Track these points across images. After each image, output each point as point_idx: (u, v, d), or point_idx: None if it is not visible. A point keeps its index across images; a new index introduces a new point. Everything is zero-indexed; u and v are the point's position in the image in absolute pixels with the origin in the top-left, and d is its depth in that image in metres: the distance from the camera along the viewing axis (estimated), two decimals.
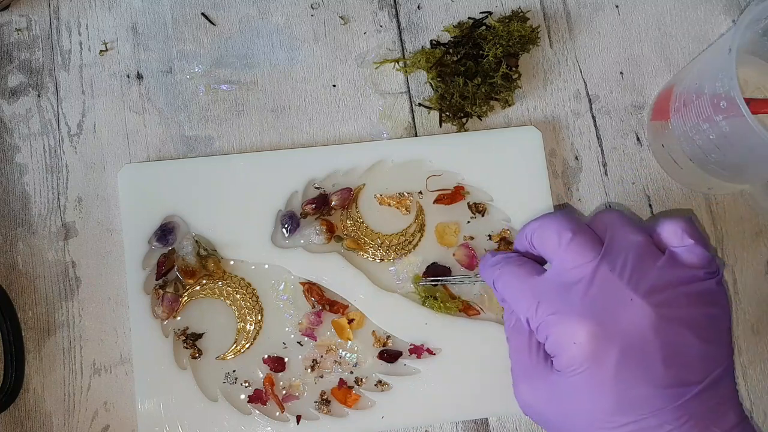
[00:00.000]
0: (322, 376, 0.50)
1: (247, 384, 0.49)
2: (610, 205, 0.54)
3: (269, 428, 0.48)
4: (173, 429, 0.48)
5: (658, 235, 0.42)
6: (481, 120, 0.54)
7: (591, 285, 0.39)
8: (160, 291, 0.49)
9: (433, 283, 0.50)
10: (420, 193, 0.52)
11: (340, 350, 0.50)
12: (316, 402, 0.49)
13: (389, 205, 0.52)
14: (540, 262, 0.45)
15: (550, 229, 0.42)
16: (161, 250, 0.50)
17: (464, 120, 0.54)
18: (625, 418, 0.38)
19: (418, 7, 0.56)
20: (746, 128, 0.42)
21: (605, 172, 0.54)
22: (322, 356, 0.50)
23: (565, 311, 0.39)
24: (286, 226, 0.51)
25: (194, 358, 0.49)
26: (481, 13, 0.56)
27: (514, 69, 0.53)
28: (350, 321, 0.50)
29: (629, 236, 0.42)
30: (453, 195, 0.52)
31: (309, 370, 0.50)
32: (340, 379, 0.50)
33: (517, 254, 0.45)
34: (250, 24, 0.55)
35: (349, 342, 0.50)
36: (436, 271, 0.51)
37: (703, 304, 0.39)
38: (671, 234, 0.41)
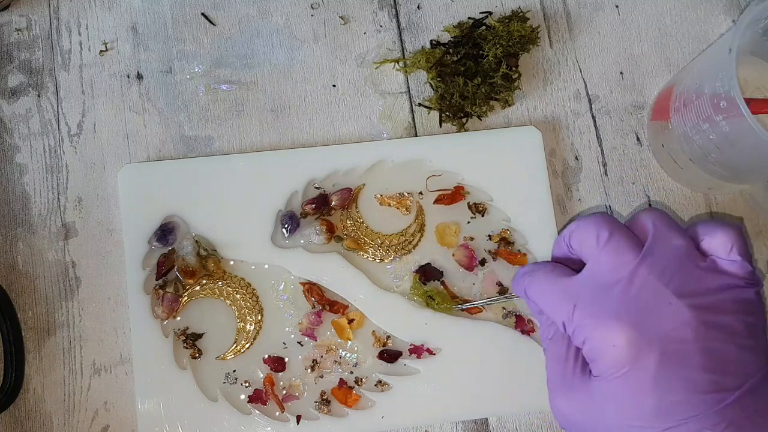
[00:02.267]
0: (322, 376, 0.50)
1: (247, 384, 0.49)
2: (651, 204, 0.54)
3: (269, 428, 0.48)
4: (173, 429, 0.48)
5: (704, 242, 0.41)
6: (481, 120, 0.54)
7: (630, 287, 0.39)
8: (160, 291, 0.50)
9: (464, 306, 0.50)
10: (420, 193, 0.52)
11: (340, 350, 0.50)
12: (316, 402, 0.49)
13: (389, 205, 0.52)
14: (579, 269, 0.44)
15: (587, 230, 0.41)
16: (161, 250, 0.50)
17: (464, 120, 0.54)
18: (664, 423, 0.37)
19: (418, 7, 0.56)
20: (746, 128, 0.42)
21: (605, 172, 0.54)
22: (322, 356, 0.50)
23: (603, 314, 0.38)
24: (286, 226, 0.51)
25: (194, 358, 0.49)
26: (481, 13, 0.56)
27: (514, 69, 0.53)
28: (350, 321, 0.50)
29: (671, 239, 0.41)
30: (453, 195, 0.52)
31: (309, 370, 0.50)
32: (340, 379, 0.50)
33: (548, 261, 0.45)
34: (250, 24, 0.55)
35: (349, 342, 0.50)
36: (428, 273, 0.51)
37: (743, 312, 0.39)
38: (719, 246, 0.40)
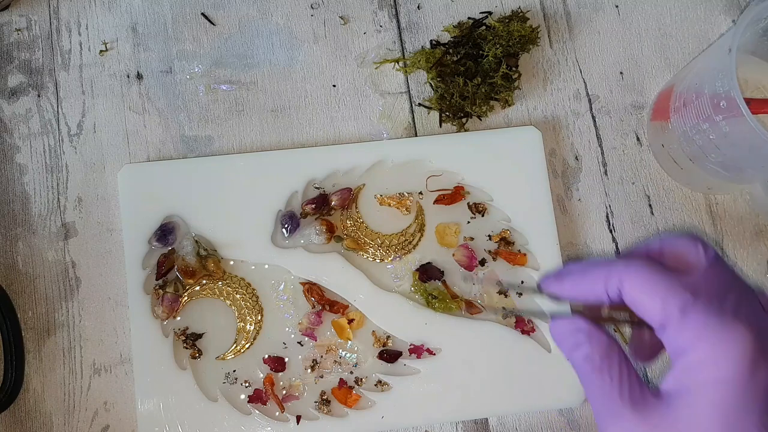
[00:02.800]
0: (322, 376, 0.50)
1: (247, 384, 0.49)
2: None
3: (269, 428, 0.48)
4: (173, 429, 0.48)
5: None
6: (481, 120, 0.54)
7: (742, 298, 0.36)
8: (160, 291, 0.50)
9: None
10: (420, 193, 0.52)
11: (340, 350, 0.50)
12: (316, 402, 0.49)
13: (389, 205, 0.52)
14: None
15: (688, 241, 0.38)
16: (161, 250, 0.50)
17: (464, 120, 0.54)
18: None
19: (418, 7, 0.56)
20: (746, 128, 0.42)
21: (605, 172, 0.54)
22: (322, 356, 0.50)
23: (724, 314, 0.35)
24: (286, 226, 0.51)
25: (194, 358, 0.49)
26: (481, 13, 0.56)
27: (514, 69, 0.53)
28: (350, 321, 0.50)
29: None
30: (453, 195, 0.52)
31: (309, 370, 0.49)
32: (340, 379, 0.50)
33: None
34: (250, 24, 0.55)
35: (349, 342, 0.50)
36: (429, 272, 0.51)
37: None
38: None
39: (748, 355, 0.34)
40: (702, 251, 0.37)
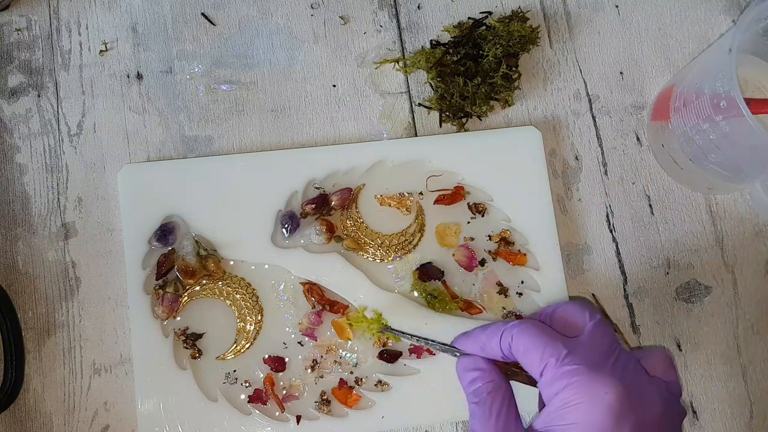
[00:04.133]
0: (322, 376, 0.50)
1: (247, 384, 0.49)
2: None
3: (269, 428, 0.48)
4: (173, 429, 0.48)
5: (644, 361, 0.43)
6: (481, 120, 0.54)
7: (619, 358, 0.41)
8: (160, 291, 0.50)
9: (395, 332, 0.49)
10: (420, 193, 0.52)
11: (340, 350, 0.50)
12: (316, 402, 0.49)
13: (389, 205, 0.52)
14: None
15: (576, 308, 0.43)
16: (161, 250, 0.50)
17: (464, 120, 0.54)
18: None
19: (418, 7, 0.56)
20: (746, 128, 0.42)
21: (605, 172, 0.54)
22: (322, 356, 0.50)
23: (599, 367, 0.39)
24: (286, 226, 0.51)
25: (194, 358, 0.49)
26: (481, 13, 0.56)
27: (514, 69, 0.53)
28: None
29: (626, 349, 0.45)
30: (453, 195, 0.52)
31: (309, 370, 0.50)
32: (341, 379, 0.50)
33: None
34: (250, 24, 0.55)
35: (349, 342, 0.50)
36: (429, 272, 0.51)
37: (678, 425, 0.42)
38: (658, 363, 0.43)
39: (615, 405, 0.38)
40: (587, 316, 0.42)
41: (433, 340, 0.48)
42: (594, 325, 0.42)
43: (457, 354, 0.46)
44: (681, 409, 0.42)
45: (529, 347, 0.41)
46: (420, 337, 0.48)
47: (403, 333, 0.49)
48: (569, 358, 0.40)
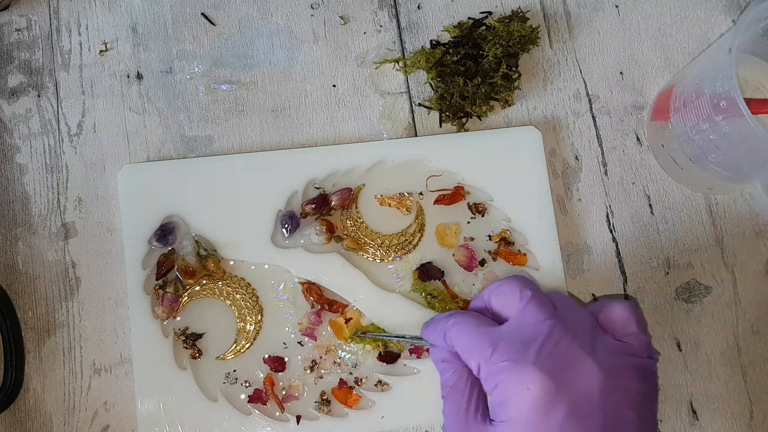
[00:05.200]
0: (321, 377, 0.50)
1: (247, 384, 0.49)
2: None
3: (269, 428, 0.48)
4: (173, 429, 0.48)
5: (602, 315, 0.43)
6: (481, 120, 0.54)
7: (547, 341, 0.40)
8: (160, 291, 0.50)
9: (370, 336, 0.49)
10: (420, 193, 0.52)
11: (339, 351, 0.50)
12: (316, 402, 0.49)
13: (389, 205, 0.52)
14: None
15: (511, 287, 0.43)
16: (161, 250, 0.50)
17: (464, 120, 0.54)
18: None
19: (418, 7, 0.56)
20: (746, 128, 0.42)
21: (605, 172, 0.54)
22: (321, 357, 0.50)
23: (521, 359, 0.39)
24: (286, 226, 0.51)
25: (194, 358, 0.49)
26: (481, 13, 0.56)
27: (514, 69, 0.53)
28: (348, 321, 0.50)
29: (576, 307, 0.43)
30: (453, 195, 0.52)
31: (308, 371, 0.49)
32: (340, 379, 0.50)
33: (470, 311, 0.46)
34: (250, 24, 0.55)
35: (349, 343, 0.50)
36: (429, 271, 0.51)
37: (642, 381, 0.41)
38: (616, 318, 0.43)
39: (539, 397, 0.38)
40: (518, 295, 0.42)
41: (403, 336, 0.49)
42: (524, 306, 0.41)
43: (426, 346, 0.46)
44: (640, 362, 0.41)
45: (462, 346, 0.42)
46: (393, 336, 0.49)
47: (377, 335, 0.49)
48: (495, 355, 0.40)
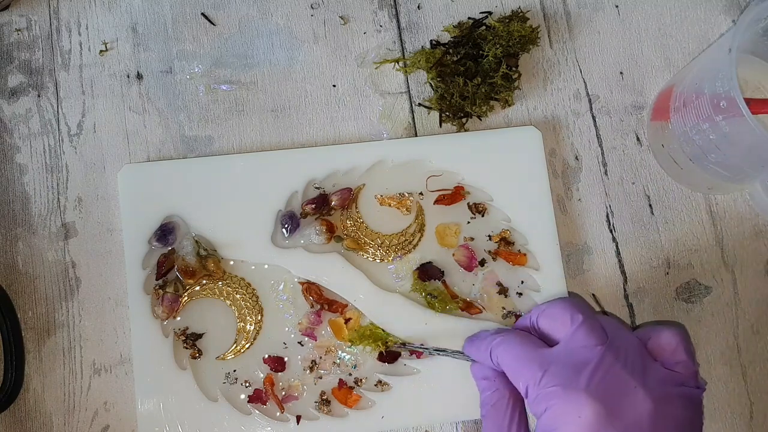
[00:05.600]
0: (321, 377, 0.50)
1: (247, 384, 0.49)
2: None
3: (269, 428, 0.48)
4: (173, 429, 0.48)
5: (651, 341, 0.43)
6: (481, 120, 0.54)
7: (598, 368, 0.40)
8: (160, 291, 0.50)
9: (409, 347, 0.49)
10: (420, 193, 0.52)
11: (339, 351, 0.50)
12: (316, 402, 0.49)
13: (389, 205, 0.52)
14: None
15: (562, 310, 0.43)
16: (161, 250, 0.50)
17: (464, 120, 0.54)
18: None
19: (418, 7, 0.56)
20: (746, 128, 0.42)
21: (605, 172, 0.54)
22: (321, 357, 0.50)
23: (573, 386, 0.39)
24: (286, 226, 0.51)
25: (194, 358, 0.49)
26: (481, 13, 0.56)
27: (514, 69, 0.53)
28: (347, 321, 0.50)
29: (626, 333, 0.43)
30: (453, 195, 0.52)
31: (308, 371, 0.49)
32: (340, 379, 0.50)
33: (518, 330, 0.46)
34: (250, 24, 0.55)
35: (348, 344, 0.50)
36: (429, 271, 0.51)
37: (690, 410, 0.41)
38: (665, 345, 0.43)
39: (591, 424, 0.38)
40: (569, 319, 0.42)
41: (444, 350, 0.48)
42: (574, 330, 0.42)
43: (469, 360, 0.47)
44: (689, 392, 0.41)
45: (509, 366, 0.42)
46: (433, 348, 0.49)
47: (416, 346, 0.49)
48: (546, 378, 0.40)
